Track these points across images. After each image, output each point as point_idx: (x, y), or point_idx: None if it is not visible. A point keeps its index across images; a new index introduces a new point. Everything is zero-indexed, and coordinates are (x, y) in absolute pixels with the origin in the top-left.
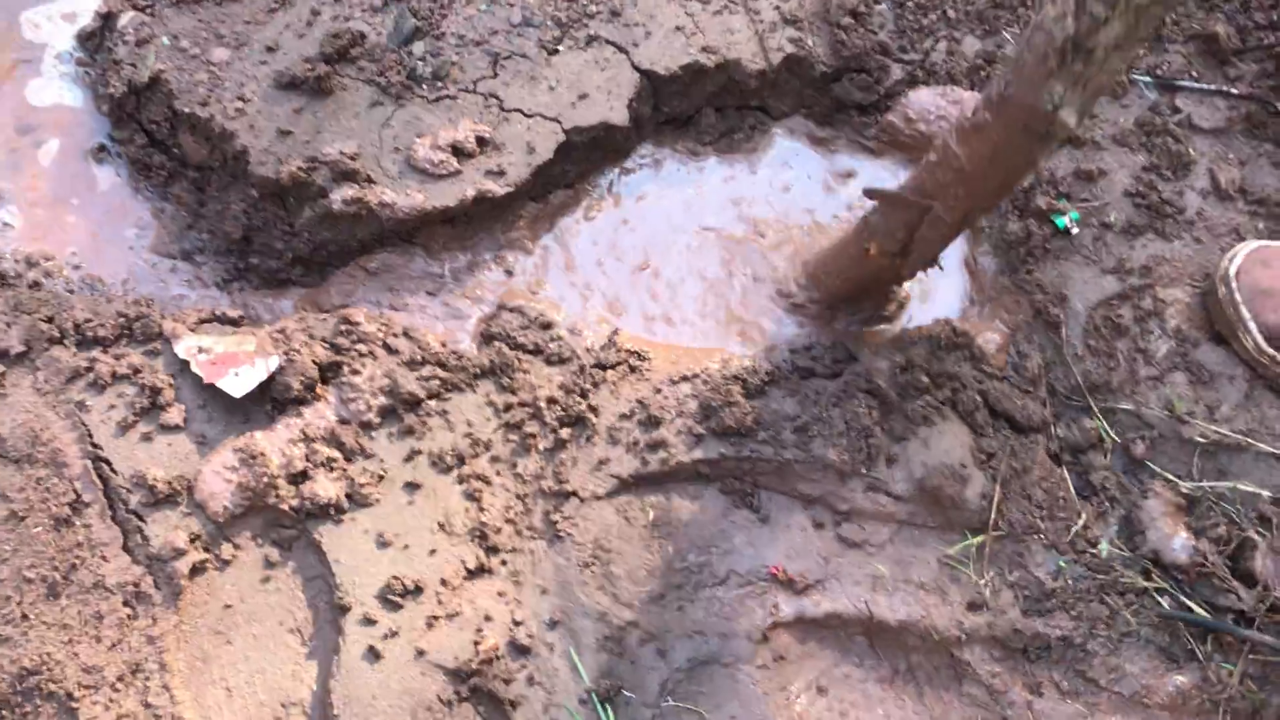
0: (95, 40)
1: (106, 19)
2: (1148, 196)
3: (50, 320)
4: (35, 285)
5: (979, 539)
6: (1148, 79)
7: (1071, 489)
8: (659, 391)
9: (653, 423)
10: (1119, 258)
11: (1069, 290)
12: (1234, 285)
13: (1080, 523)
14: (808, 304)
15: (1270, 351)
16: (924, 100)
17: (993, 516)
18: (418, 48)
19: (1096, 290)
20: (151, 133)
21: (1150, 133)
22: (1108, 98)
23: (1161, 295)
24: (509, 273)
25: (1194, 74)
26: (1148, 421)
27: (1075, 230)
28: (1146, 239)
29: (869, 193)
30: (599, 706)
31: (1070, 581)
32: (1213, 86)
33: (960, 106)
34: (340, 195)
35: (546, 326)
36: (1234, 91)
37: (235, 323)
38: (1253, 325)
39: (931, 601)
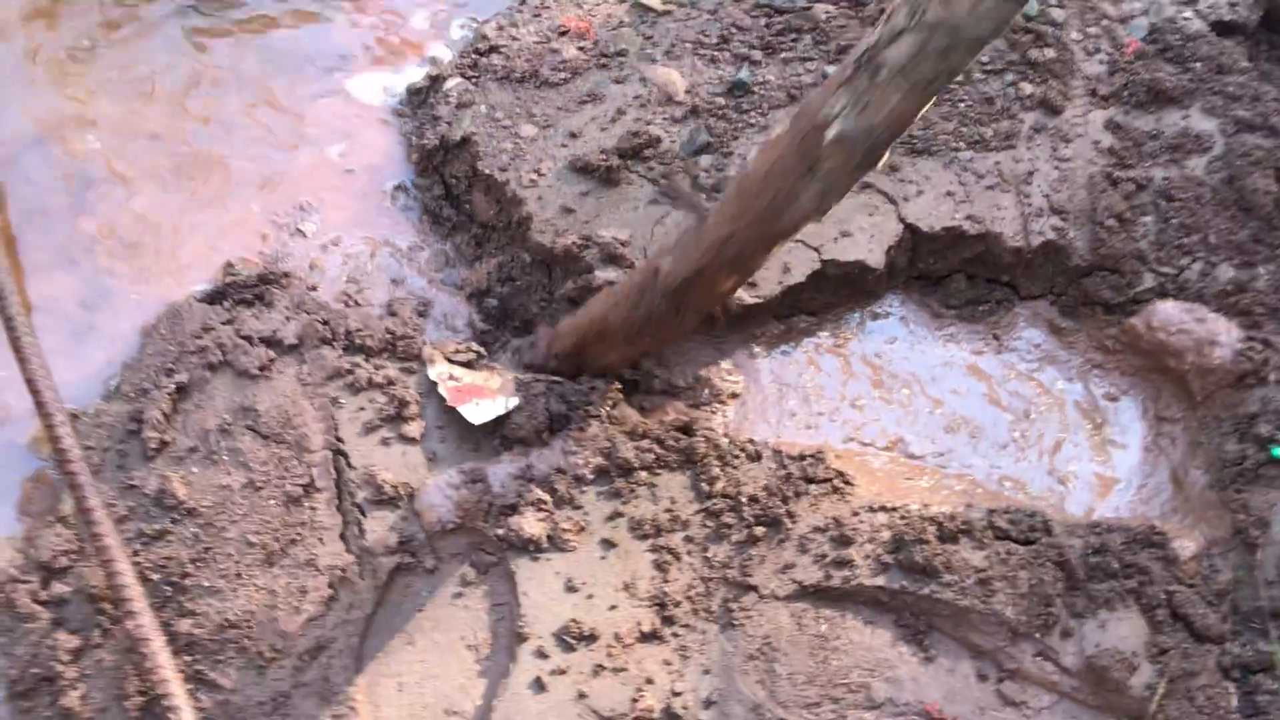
0: (421, 96)
1: (435, 80)
2: None
3: (325, 323)
4: (313, 288)
5: None
6: None
7: (1235, 703)
8: (856, 514)
9: (844, 541)
10: None
11: (1273, 517)
12: None
13: None
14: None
15: None
16: (1170, 313)
17: (1153, 709)
18: (705, 160)
19: None
20: (450, 186)
21: None
22: None
23: None
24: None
25: None
26: None
27: None
28: None
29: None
30: None
31: None
32: None
33: (1205, 326)
34: (604, 275)
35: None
36: None
37: (488, 362)
38: None
39: None
